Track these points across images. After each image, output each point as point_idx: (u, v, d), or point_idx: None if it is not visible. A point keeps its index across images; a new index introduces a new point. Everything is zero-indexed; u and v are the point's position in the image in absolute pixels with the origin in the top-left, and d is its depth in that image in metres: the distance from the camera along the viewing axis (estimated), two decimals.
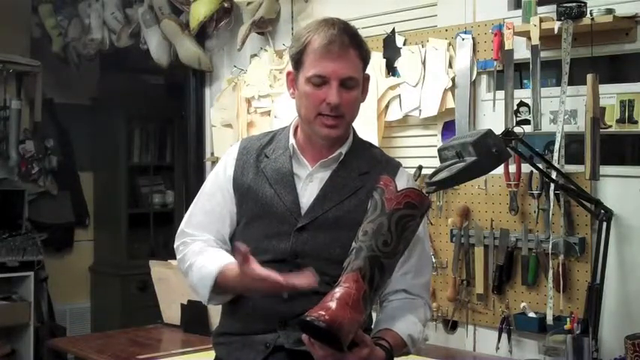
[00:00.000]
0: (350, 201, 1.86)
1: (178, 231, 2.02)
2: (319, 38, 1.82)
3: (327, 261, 1.82)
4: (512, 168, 2.63)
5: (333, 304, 1.60)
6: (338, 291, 1.63)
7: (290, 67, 1.92)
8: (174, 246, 2.02)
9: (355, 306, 1.62)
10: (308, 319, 1.59)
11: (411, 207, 1.70)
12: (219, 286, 1.83)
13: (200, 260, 1.89)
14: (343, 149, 1.91)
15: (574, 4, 2.41)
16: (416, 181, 2.66)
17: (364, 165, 1.91)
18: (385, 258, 1.68)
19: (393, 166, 1.95)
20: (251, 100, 3.60)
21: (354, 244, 1.71)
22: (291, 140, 1.92)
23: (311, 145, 1.92)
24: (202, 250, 1.92)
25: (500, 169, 2.55)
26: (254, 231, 1.89)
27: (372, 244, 1.67)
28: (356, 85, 1.84)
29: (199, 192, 2.03)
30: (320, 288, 1.76)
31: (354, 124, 2.00)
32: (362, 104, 3.02)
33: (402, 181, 1.89)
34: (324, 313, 1.58)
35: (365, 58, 1.87)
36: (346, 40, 1.82)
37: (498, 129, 2.30)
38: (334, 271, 1.78)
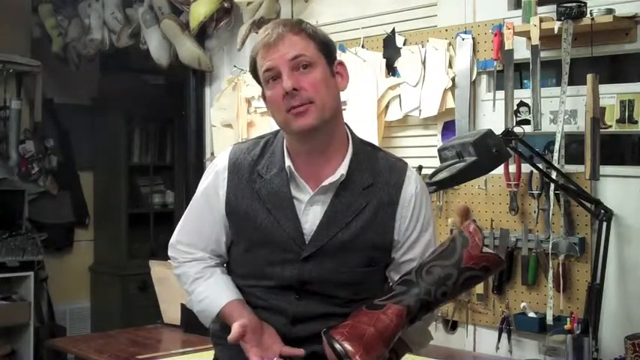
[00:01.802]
0: (356, 223, 1.74)
1: (171, 242, 1.93)
2: (260, 40, 1.74)
3: (336, 284, 1.75)
4: (512, 168, 2.63)
5: (367, 334, 1.56)
6: (377, 318, 1.59)
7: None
8: (169, 254, 1.94)
9: (388, 341, 1.59)
10: (336, 346, 1.55)
11: (485, 270, 1.66)
12: (219, 319, 1.82)
13: (199, 290, 1.84)
14: (343, 169, 1.74)
15: (574, 4, 2.40)
16: None
17: (367, 176, 1.76)
18: (435, 305, 1.65)
19: (399, 172, 1.80)
20: (251, 100, 3.60)
21: (413, 276, 1.65)
22: (287, 162, 1.75)
23: (306, 162, 1.75)
24: (198, 276, 1.85)
25: (500, 169, 2.55)
26: (256, 259, 1.79)
27: (430, 290, 1.62)
28: (312, 64, 1.68)
29: (190, 205, 1.90)
30: (329, 310, 1.74)
31: (353, 126, 1.91)
32: (362, 104, 3.05)
33: (411, 190, 1.78)
34: (354, 350, 1.54)
35: (315, 39, 1.72)
36: (282, 29, 1.71)
37: (498, 129, 2.30)
38: (344, 293, 1.75)
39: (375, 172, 1.77)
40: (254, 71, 1.77)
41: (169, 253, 1.94)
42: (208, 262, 1.86)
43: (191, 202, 1.90)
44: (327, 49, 1.74)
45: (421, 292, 1.62)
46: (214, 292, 1.81)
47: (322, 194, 1.74)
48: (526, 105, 2.65)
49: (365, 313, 1.61)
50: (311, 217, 1.74)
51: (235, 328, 1.69)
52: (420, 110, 2.94)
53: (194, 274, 1.85)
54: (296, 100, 1.67)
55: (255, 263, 1.79)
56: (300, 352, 1.67)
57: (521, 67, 2.76)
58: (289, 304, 1.75)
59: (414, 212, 1.77)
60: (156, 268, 3.36)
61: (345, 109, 2.94)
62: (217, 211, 1.82)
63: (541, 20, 2.51)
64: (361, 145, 1.82)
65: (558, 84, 2.53)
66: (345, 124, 1.82)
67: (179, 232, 1.91)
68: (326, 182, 1.73)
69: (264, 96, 1.78)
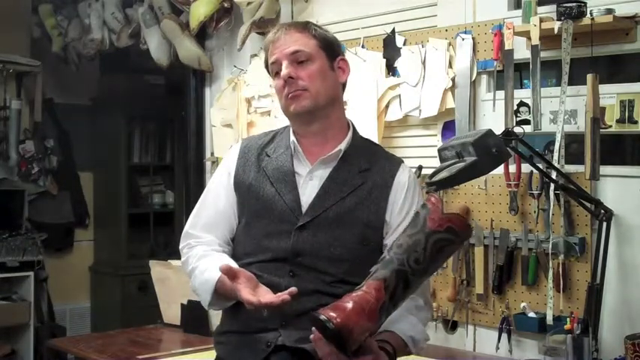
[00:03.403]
0: (351, 198, 1.86)
1: (183, 232, 2.03)
2: (268, 39, 1.96)
3: (329, 259, 1.83)
4: (512, 168, 2.63)
5: (349, 306, 1.59)
6: (357, 295, 1.62)
7: None
8: (179, 247, 2.02)
9: (371, 314, 1.61)
10: (321, 317, 1.58)
11: (451, 232, 1.68)
12: (219, 292, 1.85)
13: (203, 265, 1.90)
14: (342, 146, 1.92)
15: (574, 4, 2.40)
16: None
17: (365, 162, 1.92)
18: (412, 275, 1.67)
19: (394, 163, 1.96)
20: (251, 100, 3.60)
21: (385, 253, 1.70)
22: (292, 138, 1.94)
23: (309, 141, 1.93)
24: (205, 253, 1.93)
25: (500, 169, 2.55)
26: (255, 230, 1.90)
27: (403, 259, 1.66)
28: (310, 59, 1.88)
29: (204, 193, 2.04)
30: (321, 287, 1.79)
31: (355, 122, 2.01)
32: (362, 104, 3.05)
33: (404, 177, 1.91)
34: (335, 315, 1.57)
35: (317, 37, 1.92)
36: (287, 27, 1.94)
37: (498, 129, 2.30)
38: (335, 270, 1.82)
39: (372, 160, 1.93)
40: (266, 66, 1.98)
41: (181, 244, 2.02)
42: (217, 247, 1.95)
43: (205, 189, 2.05)
44: (329, 47, 1.93)
45: (395, 263, 1.66)
46: (218, 263, 1.84)
47: (321, 168, 1.89)
48: (526, 105, 2.65)
49: (347, 294, 1.65)
50: (309, 189, 1.89)
51: (230, 266, 1.75)
52: (420, 110, 2.94)
53: (202, 253, 1.94)
54: (292, 87, 1.87)
55: (253, 236, 1.90)
56: (292, 290, 1.69)
57: (521, 67, 2.75)
58: (283, 280, 1.83)
59: (407, 198, 1.90)
60: (156, 268, 3.36)
61: (345, 109, 2.95)
62: (228, 189, 1.96)
63: (541, 20, 2.51)
64: (361, 138, 2.01)
65: (558, 84, 2.52)
66: (349, 119, 1.99)
67: (193, 218, 2.02)
68: (324, 155, 1.90)
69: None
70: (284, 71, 1.87)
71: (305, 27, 1.93)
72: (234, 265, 1.83)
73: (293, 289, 1.69)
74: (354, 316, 1.58)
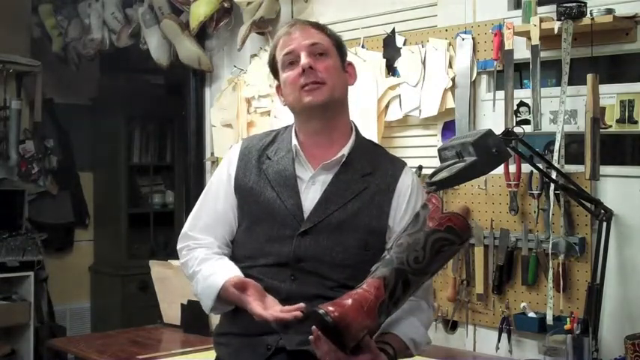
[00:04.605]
0: (353, 204, 1.85)
1: (182, 233, 2.01)
2: (280, 33, 1.94)
3: (330, 265, 1.82)
4: (512, 168, 2.63)
5: (348, 303, 1.60)
6: (357, 293, 1.63)
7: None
8: (177, 248, 2.01)
9: (369, 312, 1.61)
10: (319, 311, 1.59)
11: (451, 232, 1.68)
12: (222, 298, 1.84)
13: (205, 269, 1.89)
14: (345, 150, 1.89)
15: (574, 4, 2.41)
16: None
17: (367, 166, 1.90)
18: (412, 274, 1.67)
19: (397, 166, 1.94)
20: (251, 100, 3.60)
21: (386, 253, 1.71)
22: (294, 141, 1.91)
23: (312, 143, 1.91)
24: (206, 257, 1.91)
25: (500, 169, 2.55)
26: (256, 234, 1.89)
27: (402, 258, 1.66)
28: (327, 53, 1.89)
29: (203, 193, 2.02)
30: (322, 292, 1.79)
31: (355, 122, 2.01)
32: (362, 104, 3.05)
33: (407, 181, 1.90)
34: (333, 309, 1.58)
35: (331, 36, 1.93)
36: (302, 22, 1.95)
37: (498, 129, 2.30)
38: (337, 275, 1.81)
39: (375, 164, 1.91)
40: (272, 62, 1.95)
41: (179, 245, 2.00)
42: (216, 250, 1.94)
43: (204, 190, 2.02)
44: (340, 47, 1.95)
45: (394, 262, 1.66)
46: (222, 270, 1.86)
47: (323, 173, 1.87)
48: (526, 105, 2.65)
49: (347, 293, 1.65)
50: (311, 194, 1.87)
51: (241, 278, 1.77)
52: (420, 110, 2.94)
53: (203, 256, 1.92)
54: (310, 77, 1.84)
55: (255, 240, 1.88)
56: (300, 306, 1.70)
57: (521, 67, 2.75)
58: (284, 284, 1.82)
59: (410, 202, 1.88)
60: (156, 268, 3.36)
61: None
62: (228, 191, 1.94)
63: (541, 20, 2.51)
64: (364, 140, 1.98)
65: (558, 84, 2.53)
66: (352, 122, 1.97)
67: (192, 219, 2.00)
68: (327, 161, 1.87)
69: (278, 88, 1.96)
70: (304, 60, 1.84)
71: (319, 25, 1.96)
72: (240, 274, 1.83)
73: (301, 304, 1.69)
74: (353, 312, 1.58)
